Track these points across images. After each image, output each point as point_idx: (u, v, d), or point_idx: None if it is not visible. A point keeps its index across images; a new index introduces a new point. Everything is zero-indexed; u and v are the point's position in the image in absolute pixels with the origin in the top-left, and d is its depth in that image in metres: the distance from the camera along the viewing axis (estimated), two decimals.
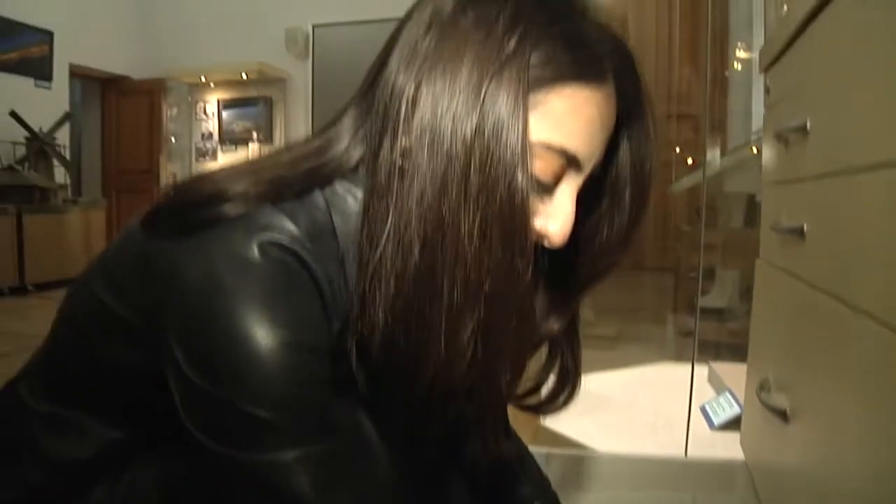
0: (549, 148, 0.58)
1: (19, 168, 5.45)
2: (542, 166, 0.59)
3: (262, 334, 0.53)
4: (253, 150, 7.42)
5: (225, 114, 7.68)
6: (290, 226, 0.57)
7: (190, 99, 7.87)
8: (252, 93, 7.41)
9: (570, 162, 0.60)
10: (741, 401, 1.93)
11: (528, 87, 0.56)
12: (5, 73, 6.26)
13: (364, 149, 0.63)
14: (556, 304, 0.73)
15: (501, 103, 0.55)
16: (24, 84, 6.48)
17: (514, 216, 0.56)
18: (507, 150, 0.55)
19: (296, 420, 0.55)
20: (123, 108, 7.96)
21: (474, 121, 0.55)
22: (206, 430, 0.55)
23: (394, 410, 0.63)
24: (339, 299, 0.60)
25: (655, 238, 5.93)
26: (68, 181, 6.67)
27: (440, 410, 0.61)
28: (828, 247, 0.76)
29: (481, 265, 0.56)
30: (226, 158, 7.71)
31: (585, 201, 0.65)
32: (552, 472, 0.79)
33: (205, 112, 7.81)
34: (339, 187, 0.62)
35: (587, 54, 0.59)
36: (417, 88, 0.57)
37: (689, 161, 4.96)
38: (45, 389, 0.71)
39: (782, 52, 0.98)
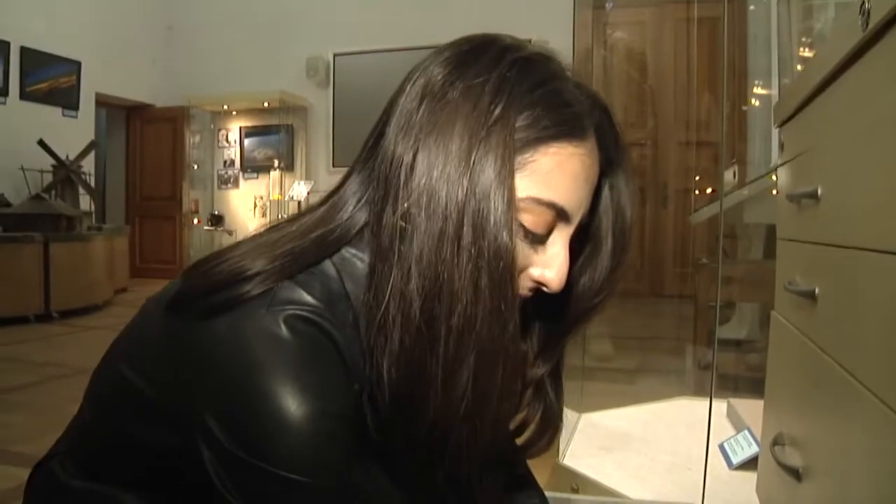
0: (538, 202, 0.63)
1: (46, 197, 5.55)
2: (533, 220, 0.63)
3: (295, 405, 0.56)
4: (274, 177, 7.50)
5: (247, 141, 7.78)
6: (308, 298, 0.61)
7: (212, 127, 7.99)
8: (273, 121, 7.51)
9: (560, 214, 0.64)
10: (759, 440, 1.92)
11: (514, 150, 0.61)
12: (35, 104, 6.42)
13: (367, 213, 0.67)
14: (544, 348, 0.77)
15: (489, 167, 0.60)
16: (52, 114, 6.63)
17: (502, 270, 0.60)
18: (495, 210, 0.59)
19: (328, 481, 0.58)
20: (147, 136, 8.10)
21: (465, 184, 0.59)
22: (244, 497, 0.58)
23: (403, 456, 0.67)
24: (356, 361, 0.64)
25: (674, 265, 5.93)
26: (93, 208, 6.78)
27: (440, 453, 0.65)
28: (838, 316, 0.78)
29: (473, 316, 0.60)
30: (247, 186, 7.81)
31: (571, 248, 0.68)
32: None
33: (227, 139, 7.92)
34: (347, 253, 0.66)
35: (569, 114, 0.64)
36: (414, 156, 0.62)
37: (709, 190, 4.96)
38: (77, 467, 0.74)
39: (797, 111, 1.00)
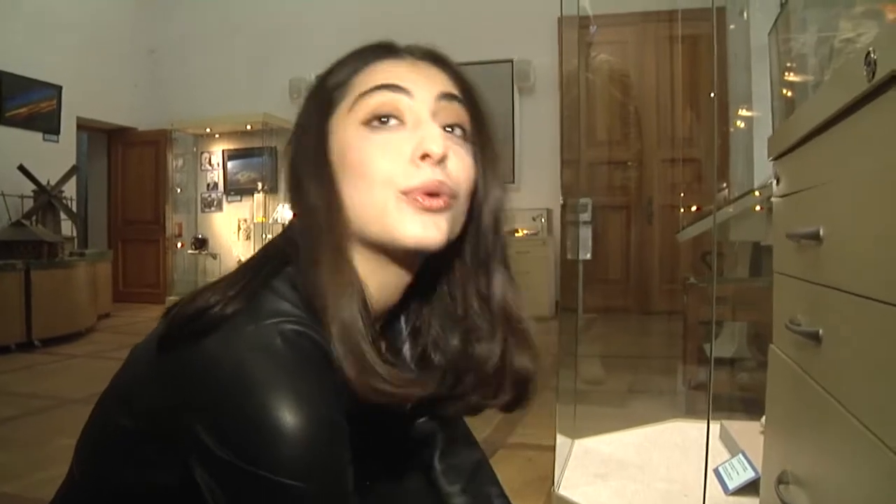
0: (367, 93, 0.71)
1: (27, 223, 5.49)
2: (376, 104, 0.71)
3: (292, 413, 0.58)
4: (258, 200, 7.46)
5: (230, 164, 7.75)
6: (290, 308, 0.65)
7: (195, 149, 7.95)
8: (257, 143, 7.48)
9: (395, 89, 0.71)
10: (755, 463, 1.91)
11: (320, 97, 0.75)
12: (15, 129, 6.35)
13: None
14: (481, 266, 0.79)
15: (307, 122, 0.76)
16: (32, 138, 6.57)
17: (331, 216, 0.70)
18: (311, 149, 0.74)
19: (324, 484, 0.60)
20: (129, 160, 8.04)
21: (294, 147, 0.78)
22: None
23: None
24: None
25: (661, 282, 5.96)
26: (75, 234, 6.71)
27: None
28: (844, 360, 0.77)
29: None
30: (231, 209, 7.76)
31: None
32: None
33: (210, 162, 7.88)
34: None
35: (377, 47, 0.79)
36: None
37: (694, 208, 4.99)
38: None
39: (795, 147, 0.99)
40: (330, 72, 0.76)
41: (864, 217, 0.70)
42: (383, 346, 0.76)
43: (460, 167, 0.72)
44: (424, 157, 0.68)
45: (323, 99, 0.74)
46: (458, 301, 0.79)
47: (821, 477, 0.87)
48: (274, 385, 0.58)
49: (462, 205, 0.72)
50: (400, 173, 0.68)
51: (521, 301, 0.79)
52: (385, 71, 0.73)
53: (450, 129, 0.73)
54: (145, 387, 0.69)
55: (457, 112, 0.75)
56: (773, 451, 1.19)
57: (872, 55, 0.60)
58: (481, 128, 0.79)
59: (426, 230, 0.68)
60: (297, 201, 0.74)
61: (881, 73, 0.59)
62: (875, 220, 0.66)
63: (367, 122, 0.70)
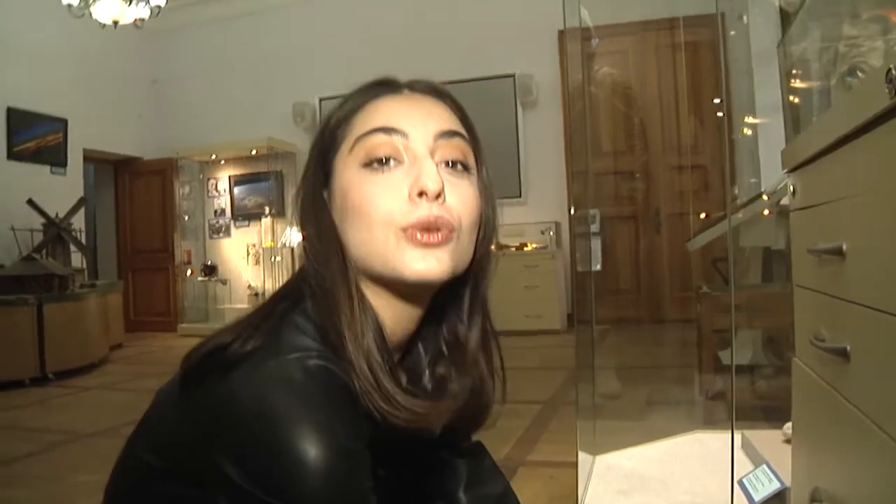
0: (364, 136, 0.73)
1: (38, 257, 5.52)
2: (373, 147, 0.72)
3: (316, 445, 0.59)
4: (266, 224, 7.48)
5: (237, 190, 7.78)
6: (310, 342, 0.67)
7: (201, 176, 7.99)
8: (262, 168, 7.51)
9: (391, 132, 0.73)
10: (780, 474, 1.89)
11: (322, 142, 0.79)
12: (22, 163, 6.41)
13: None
14: (470, 314, 0.83)
15: (310, 167, 0.79)
16: (40, 172, 6.62)
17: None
18: (313, 194, 0.77)
19: None
20: (136, 189, 8.09)
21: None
22: None
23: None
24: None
25: (672, 290, 5.93)
26: (85, 265, 6.74)
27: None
28: (876, 377, 0.76)
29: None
30: (239, 234, 7.79)
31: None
32: None
33: (216, 189, 7.92)
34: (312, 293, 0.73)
35: (376, 85, 0.79)
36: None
37: (703, 215, 4.97)
38: None
39: (812, 160, 0.99)
40: (333, 111, 0.79)
41: (889, 234, 0.69)
42: (403, 377, 0.77)
43: (460, 201, 0.73)
44: (421, 194, 0.70)
45: (325, 139, 0.78)
46: (465, 330, 0.81)
47: (856, 495, 0.85)
48: (295, 418, 0.60)
49: (466, 236, 0.74)
50: (398, 211, 0.70)
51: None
52: (383, 110, 0.75)
53: (451, 165, 0.74)
54: (170, 425, 0.71)
55: (458, 147, 0.76)
56: (802, 466, 1.18)
57: (894, 72, 0.59)
58: (483, 161, 0.81)
59: (427, 264, 0.70)
60: (305, 240, 0.76)
61: None
62: None
63: (367, 165, 0.72)
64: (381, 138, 0.72)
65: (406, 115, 0.74)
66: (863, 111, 0.70)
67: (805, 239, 1.02)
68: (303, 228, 0.77)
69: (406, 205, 0.70)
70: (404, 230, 0.69)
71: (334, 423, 0.61)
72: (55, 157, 6.80)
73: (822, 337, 0.93)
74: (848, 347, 0.82)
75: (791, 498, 1.34)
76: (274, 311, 0.70)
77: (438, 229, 0.70)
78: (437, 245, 0.70)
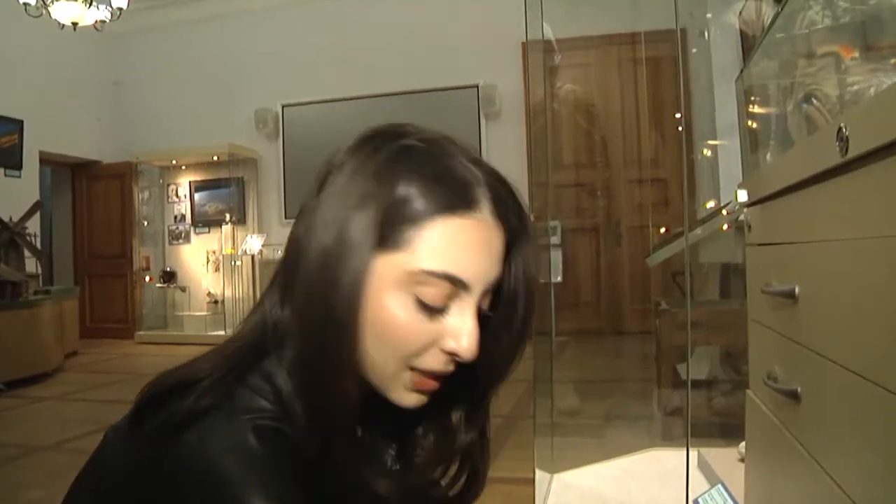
0: (431, 275, 0.65)
1: None
2: (431, 292, 0.65)
3: None
4: (226, 231, 7.39)
5: (197, 196, 7.67)
6: (265, 404, 0.65)
7: (161, 182, 7.87)
8: (224, 174, 7.41)
9: (457, 284, 0.66)
10: (734, 494, 1.91)
11: (381, 224, 0.64)
12: None
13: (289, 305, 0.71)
14: (469, 415, 0.78)
15: (354, 234, 0.64)
16: None
17: (341, 349, 0.65)
18: (348, 274, 0.64)
19: None
20: (94, 193, 7.93)
21: (330, 253, 0.65)
22: None
23: None
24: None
25: (632, 302, 5.99)
26: (40, 271, 6.58)
27: None
28: (821, 419, 0.77)
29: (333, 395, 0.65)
30: (199, 241, 7.68)
31: (484, 316, 0.71)
32: None
33: (177, 194, 7.80)
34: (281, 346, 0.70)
35: (455, 186, 0.67)
36: (300, 238, 0.68)
37: (662, 230, 5.04)
38: None
39: (768, 198, 1.00)
40: (411, 185, 0.66)
41: (839, 284, 0.70)
42: (366, 438, 0.76)
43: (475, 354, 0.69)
44: (450, 353, 0.67)
45: (391, 216, 0.65)
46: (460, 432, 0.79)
47: None
48: (246, 484, 0.59)
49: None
50: (418, 353, 0.67)
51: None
52: (456, 246, 0.66)
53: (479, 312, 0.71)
54: (119, 475, 0.68)
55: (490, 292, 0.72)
56: (754, 495, 1.19)
57: (845, 131, 0.60)
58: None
59: (418, 401, 0.69)
60: (304, 303, 0.67)
61: (854, 151, 0.59)
62: (850, 289, 0.67)
63: (418, 302, 0.66)
64: (446, 289, 0.66)
65: (474, 264, 0.67)
66: (815, 164, 0.71)
67: (760, 276, 1.03)
68: (310, 293, 0.66)
69: (429, 351, 0.67)
70: (412, 369, 0.67)
71: (285, 490, 0.61)
72: (10, 159, 6.64)
73: (774, 375, 0.94)
74: (799, 390, 0.83)
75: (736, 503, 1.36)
76: (234, 365, 0.67)
77: (438, 379, 0.69)
78: (431, 390, 0.69)
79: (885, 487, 0.60)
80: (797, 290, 0.82)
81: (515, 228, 0.71)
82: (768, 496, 1.07)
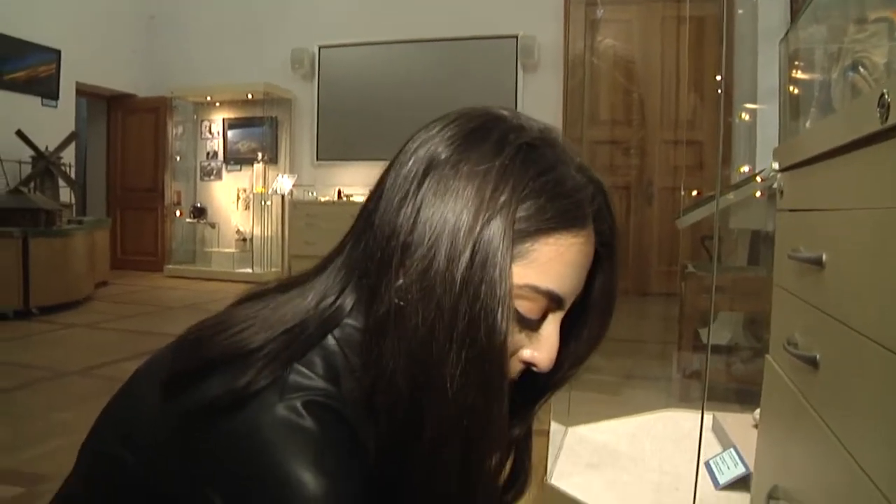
0: (536, 290, 0.63)
1: (25, 190, 5.47)
2: (529, 306, 0.64)
3: (319, 493, 0.56)
4: (258, 170, 7.43)
5: (230, 133, 7.71)
6: (319, 382, 0.61)
7: (195, 118, 7.91)
8: (258, 113, 7.43)
9: (555, 301, 0.65)
10: (746, 459, 1.93)
11: (513, 238, 0.61)
12: (12, 93, 6.31)
13: (358, 292, 0.67)
14: (519, 412, 0.76)
15: (489, 253, 0.60)
16: (30, 103, 6.52)
17: (494, 353, 0.60)
18: (492, 296, 0.60)
19: None
20: (129, 126, 8.00)
21: (464, 267, 0.60)
22: None
23: None
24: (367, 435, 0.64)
25: (659, 264, 5.96)
26: (73, 201, 6.69)
27: None
28: (838, 388, 0.77)
29: (461, 405, 0.60)
30: (231, 178, 7.74)
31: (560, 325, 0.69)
32: None
33: (210, 131, 7.84)
34: (346, 324, 0.66)
35: (571, 203, 0.64)
36: (412, 229, 0.62)
37: (695, 192, 4.97)
38: None
39: (802, 164, 0.98)
40: (524, 194, 0.63)
41: (868, 254, 0.69)
42: None
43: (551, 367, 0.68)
44: (528, 362, 0.67)
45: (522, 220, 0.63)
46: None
47: (811, 500, 0.87)
48: (299, 463, 0.57)
49: None
50: None
51: None
52: (563, 263, 0.65)
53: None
54: (152, 432, 0.65)
55: None
56: (765, 462, 1.20)
57: (887, 97, 0.59)
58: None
59: None
60: (426, 298, 0.61)
61: (895, 118, 0.58)
62: (878, 260, 0.66)
63: (516, 313, 0.64)
64: (543, 304, 0.65)
65: (572, 280, 0.66)
66: (854, 129, 0.70)
67: (788, 241, 1.02)
68: (449, 292, 0.60)
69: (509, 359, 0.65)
70: None
71: (338, 468, 0.59)
72: (47, 88, 6.70)
73: (794, 342, 0.94)
74: (818, 357, 0.83)
75: (752, 489, 1.37)
76: (294, 341, 0.63)
77: None
78: None
79: None
80: (824, 257, 0.81)
81: (606, 239, 0.70)
82: (780, 461, 1.07)
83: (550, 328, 0.66)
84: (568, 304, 0.66)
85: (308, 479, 0.56)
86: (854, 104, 0.74)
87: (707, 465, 2.04)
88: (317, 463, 0.57)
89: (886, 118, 0.59)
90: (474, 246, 0.60)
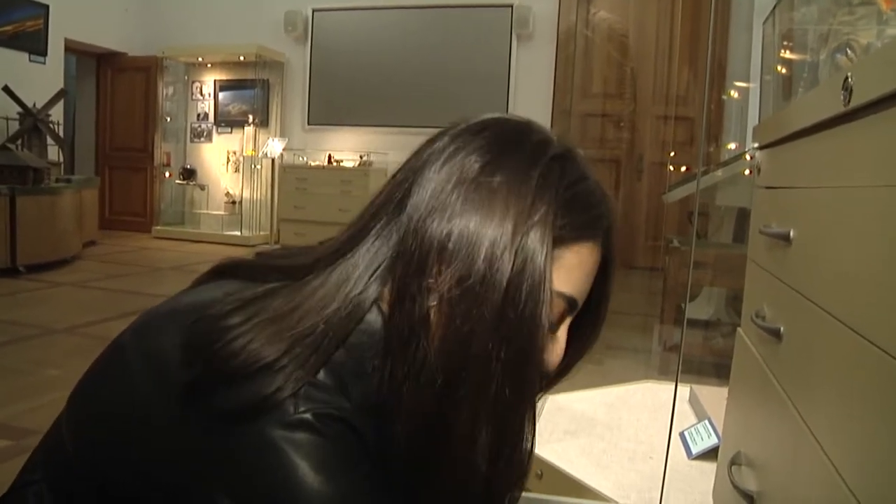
0: (559, 295, 0.67)
1: (12, 147, 5.43)
2: (551, 311, 0.66)
3: (325, 498, 0.58)
4: (248, 133, 7.40)
5: (221, 95, 7.65)
6: (330, 395, 0.62)
7: (186, 79, 7.83)
8: (249, 75, 7.38)
9: (572, 306, 0.69)
10: (719, 430, 1.98)
11: (553, 244, 0.64)
12: None
13: (379, 286, 0.68)
14: None
15: (531, 258, 0.63)
16: (18, 59, 6.43)
17: (535, 351, 0.64)
18: (535, 296, 0.62)
19: None
20: (119, 85, 7.92)
21: (507, 269, 0.62)
22: None
23: None
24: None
25: (646, 238, 6.00)
26: (61, 159, 6.64)
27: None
28: (799, 361, 0.80)
29: (500, 394, 0.63)
30: (221, 140, 7.70)
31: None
32: None
33: (201, 93, 7.78)
34: (359, 329, 0.67)
35: (594, 215, 0.69)
36: (448, 238, 0.64)
37: (683, 168, 5.00)
38: (58, 496, 0.73)
39: (777, 143, 1.01)
40: (557, 203, 0.66)
41: (830, 231, 0.72)
42: None
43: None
44: None
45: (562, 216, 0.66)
46: None
47: (768, 465, 0.91)
48: (309, 477, 0.58)
49: None
50: None
51: None
52: (581, 270, 0.69)
53: None
54: (157, 431, 0.66)
55: None
56: (732, 430, 1.24)
57: (850, 80, 0.61)
58: None
59: None
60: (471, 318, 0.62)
61: (856, 101, 0.60)
62: (838, 238, 0.68)
63: None
64: (561, 308, 0.68)
65: (585, 286, 0.70)
66: (820, 111, 0.72)
67: (763, 217, 1.05)
68: (492, 300, 0.62)
69: None
70: None
71: (348, 482, 0.61)
72: (34, 44, 6.61)
73: (762, 314, 0.97)
74: (781, 329, 0.86)
75: (719, 456, 1.42)
76: (314, 353, 0.63)
77: None
78: None
79: (850, 428, 0.62)
80: (792, 233, 0.84)
81: (609, 249, 0.73)
82: (744, 429, 1.11)
83: (562, 332, 0.70)
84: (577, 308, 0.70)
85: (319, 488, 0.58)
86: (822, 86, 0.76)
87: (682, 435, 2.09)
88: (328, 474, 0.59)
89: (849, 101, 0.62)
90: (517, 252, 0.62)
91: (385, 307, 0.67)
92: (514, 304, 0.62)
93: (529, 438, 0.74)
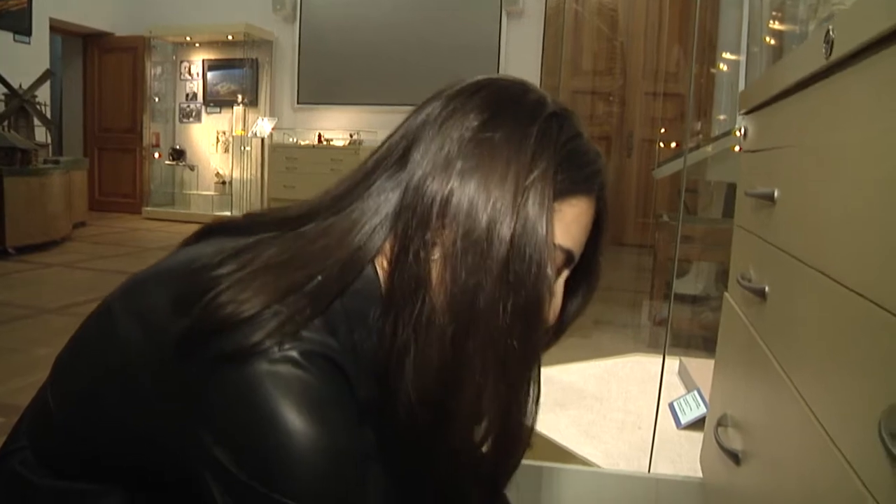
0: (558, 248, 0.68)
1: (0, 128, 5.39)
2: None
3: (313, 441, 0.58)
4: (237, 112, 7.35)
5: (210, 75, 7.60)
6: (326, 338, 0.62)
7: (174, 58, 7.77)
8: (238, 54, 7.32)
9: (570, 259, 0.71)
10: (707, 401, 2.00)
11: (553, 198, 0.66)
12: None
13: (385, 234, 0.68)
14: None
15: (533, 211, 0.64)
16: (2, 38, 6.37)
17: (541, 301, 0.65)
18: (538, 247, 0.64)
19: None
20: (106, 66, 7.85)
21: (510, 222, 0.63)
22: None
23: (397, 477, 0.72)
24: (366, 382, 0.66)
25: (636, 216, 6.01)
26: (49, 140, 6.59)
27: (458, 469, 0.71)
28: (782, 319, 0.81)
29: (508, 345, 0.64)
30: (210, 120, 7.65)
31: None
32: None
33: (189, 72, 7.72)
34: (357, 288, 0.67)
35: (590, 170, 0.70)
36: (450, 193, 0.65)
37: (673, 144, 5.00)
38: (42, 463, 0.73)
39: (762, 106, 1.01)
40: (555, 160, 0.67)
41: (813, 187, 0.72)
42: None
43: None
44: None
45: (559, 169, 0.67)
46: None
47: (754, 425, 0.92)
48: (294, 412, 0.58)
49: None
50: None
51: None
52: (578, 224, 0.70)
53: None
54: (149, 381, 0.66)
55: None
56: (718, 393, 1.26)
57: (832, 33, 0.62)
58: None
59: None
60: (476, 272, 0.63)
61: (837, 53, 0.61)
62: (821, 193, 0.69)
63: None
64: (560, 262, 0.70)
65: (581, 239, 0.71)
66: (803, 67, 0.72)
67: (748, 182, 1.06)
68: (494, 258, 0.63)
69: None
70: None
71: (333, 419, 0.60)
72: (18, 23, 6.53)
73: (748, 276, 0.98)
74: (766, 288, 0.87)
75: (706, 419, 1.44)
76: (310, 306, 0.62)
77: None
78: None
79: (833, 381, 0.63)
80: (776, 193, 0.85)
81: (602, 205, 0.74)
82: (730, 391, 1.13)
83: (559, 285, 0.71)
84: (574, 262, 0.71)
85: (300, 426, 0.58)
86: (804, 44, 0.77)
87: (671, 405, 2.11)
88: (311, 411, 0.58)
89: (830, 53, 0.62)
90: (520, 206, 0.63)
91: (384, 262, 0.68)
92: (519, 256, 0.63)
93: (534, 397, 0.75)
